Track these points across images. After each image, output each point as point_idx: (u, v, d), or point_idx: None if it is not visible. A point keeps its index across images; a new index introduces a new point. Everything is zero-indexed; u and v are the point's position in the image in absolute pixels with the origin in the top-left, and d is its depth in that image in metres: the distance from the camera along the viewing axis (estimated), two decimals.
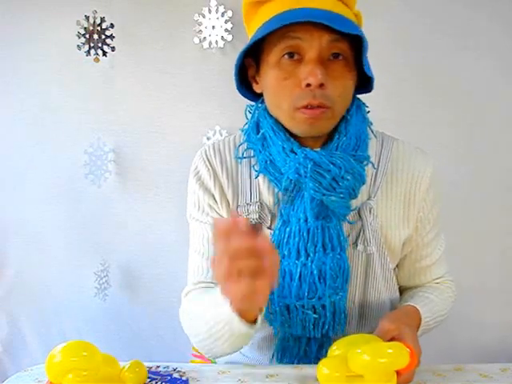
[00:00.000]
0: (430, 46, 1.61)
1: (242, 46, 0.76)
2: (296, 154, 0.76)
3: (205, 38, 1.61)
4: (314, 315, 0.79)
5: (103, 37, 1.63)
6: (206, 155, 0.87)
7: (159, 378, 0.73)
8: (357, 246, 0.82)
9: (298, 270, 0.78)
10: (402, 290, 0.96)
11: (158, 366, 0.77)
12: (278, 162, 0.79)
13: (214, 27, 1.61)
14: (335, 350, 0.71)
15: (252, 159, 0.85)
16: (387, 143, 0.86)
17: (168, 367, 0.77)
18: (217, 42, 1.61)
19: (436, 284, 0.93)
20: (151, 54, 1.66)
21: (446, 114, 1.64)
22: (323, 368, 0.68)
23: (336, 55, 0.74)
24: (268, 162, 0.80)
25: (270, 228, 0.82)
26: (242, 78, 0.83)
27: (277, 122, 0.80)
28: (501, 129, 1.66)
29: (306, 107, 0.74)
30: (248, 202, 0.84)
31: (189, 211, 0.90)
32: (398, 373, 0.67)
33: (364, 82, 0.81)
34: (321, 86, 0.72)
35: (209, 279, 0.84)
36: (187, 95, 1.67)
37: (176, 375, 0.74)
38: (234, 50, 1.62)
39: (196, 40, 1.61)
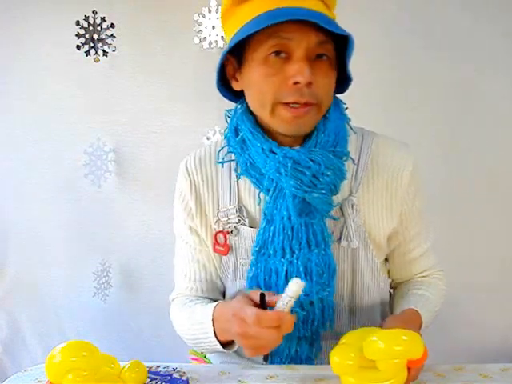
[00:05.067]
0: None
1: None
2: (275, 153, 0.77)
3: (205, 37, 1.61)
4: (303, 312, 0.80)
5: (103, 37, 1.63)
6: (187, 168, 0.90)
7: (159, 377, 0.73)
8: (341, 241, 0.83)
9: (284, 268, 0.79)
10: (395, 285, 0.98)
11: (158, 366, 0.77)
12: (258, 163, 0.80)
13: (214, 27, 1.61)
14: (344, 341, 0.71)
15: (233, 163, 0.86)
16: (367, 138, 0.87)
17: (168, 367, 0.77)
18: (217, 41, 1.61)
19: (426, 278, 0.94)
20: (151, 53, 1.66)
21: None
22: (334, 357, 0.67)
23: (320, 55, 0.75)
24: (248, 164, 0.81)
25: (252, 227, 0.84)
26: (219, 76, 0.84)
27: (255, 123, 0.81)
28: (502, 128, 1.66)
29: (291, 105, 0.74)
30: (227, 206, 0.85)
31: (174, 224, 0.94)
32: (408, 368, 0.67)
33: (339, 81, 0.82)
34: (308, 84, 0.73)
35: (192, 293, 0.92)
36: (187, 95, 1.67)
37: (176, 375, 0.74)
38: None
39: (196, 40, 1.61)
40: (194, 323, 0.83)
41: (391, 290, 1.01)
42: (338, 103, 0.84)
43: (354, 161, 0.83)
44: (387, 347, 0.65)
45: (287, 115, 0.75)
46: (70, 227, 1.75)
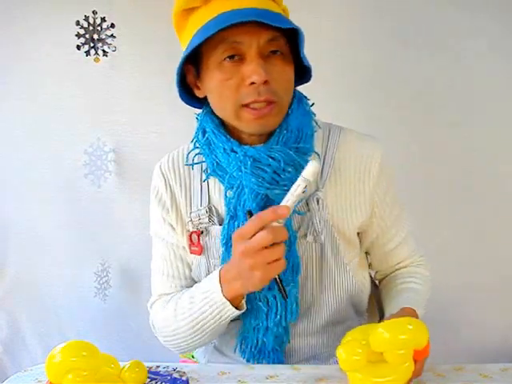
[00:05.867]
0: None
1: None
2: (236, 152, 0.79)
3: None
4: (265, 307, 0.81)
5: (103, 37, 1.62)
6: (161, 168, 0.92)
7: (159, 377, 0.73)
8: (307, 237, 0.83)
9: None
10: (380, 277, 0.99)
11: (158, 366, 0.77)
12: (222, 162, 0.82)
13: None
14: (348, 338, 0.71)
15: (203, 164, 0.88)
16: (333, 133, 0.87)
17: (168, 367, 0.77)
18: None
19: (409, 267, 0.95)
20: (151, 53, 1.65)
21: (445, 115, 1.64)
22: (341, 353, 0.67)
23: (274, 52, 0.76)
24: (215, 165, 0.83)
25: (221, 225, 0.85)
26: (181, 85, 0.84)
27: (218, 124, 0.83)
28: (502, 128, 1.66)
29: (252, 106, 0.76)
30: (199, 207, 0.87)
31: (151, 227, 0.95)
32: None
33: (300, 73, 0.83)
34: (265, 82, 0.74)
35: (177, 290, 0.92)
36: None
37: (176, 375, 0.74)
38: None
39: None
40: (194, 300, 0.82)
41: (377, 282, 1.02)
42: (301, 99, 0.85)
43: (319, 156, 0.84)
44: (393, 337, 0.65)
45: (250, 117, 0.77)
46: (70, 227, 1.75)
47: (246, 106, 0.76)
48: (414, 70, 1.61)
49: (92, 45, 1.63)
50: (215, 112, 0.83)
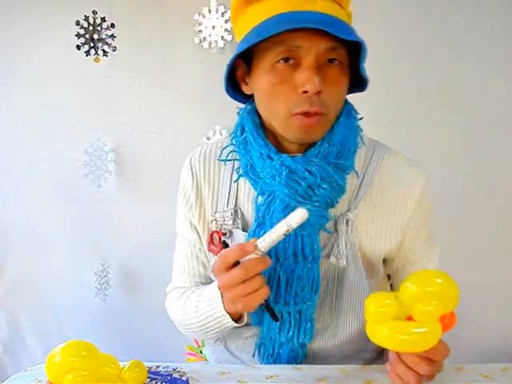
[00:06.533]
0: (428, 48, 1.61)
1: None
2: (272, 160, 0.76)
3: (205, 38, 1.61)
4: (278, 321, 0.78)
5: (103, 37, 1.63)
6: (190, 160, 0.89)
7: (159, 377, 0.73)
8: (329, 257, 0.80)
9: (267, 272, 0.77)
10: None
11: (158, 366, 0.77)
12: (257, 166, 0.79)
13: (214, 27, 1.61)
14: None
15: (236, 163, 0.84)
16: (378, 153, 0.83)
17: (168, 367, 0.77)
18: (217, 42, 1.61)
19: None
20: (151, 53, 1.66)
21: (446, 115, 1.64)
22: (369, 304, 0.65)
23: (331, 60, 0.72)
24: (249, 166, 0.80)
25: (244, 230, 0.82)
26: (229, 78, 0.81)
27: (258, 125, 0.80)
28: (501, 129, 1.66)
29: (302, 114, 0.72)
30: (225, 208, 0.84)
31: (177, 221, 0.93)
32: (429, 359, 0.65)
33: (355, 82, 0.79)
34: (318, 93, 0.70)
35: (191, 285, 0.92)
36: (187, 95, 1.67)
37: (176, 375, 0.74)
38: (233, 50, 1.60)
39: (196, 40, 1.61)
40: (199, 304, 0.81)
41: None
42: (350, 111, 0.80)
43: (358, 174, 0.80)
44: (420, 289, 0.63)
45: (299, 125, 0.73)
46: (69, 227, 1.75)
47: (296, 114, 0.72)
48: (414, 69, 1.61)
49: (92, 45, 1.63)
50: (260, 112, 0.79)
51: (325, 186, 0.74)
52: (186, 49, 1.64)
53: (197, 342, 1.15)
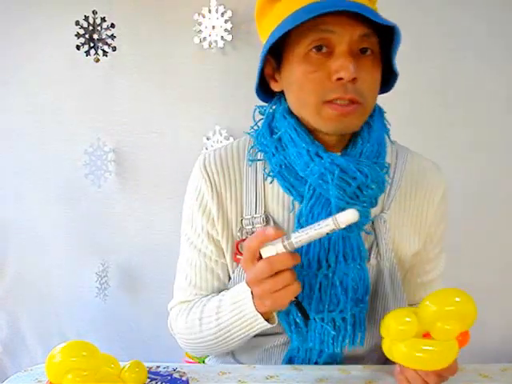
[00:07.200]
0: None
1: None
2: (322, 158, 0.71)
3: (205, 38, 1.61)
4: (333, 332, 0.75)
5: (103, 37, 1.62)
6: (205, 166, 0.81)
7: (159, 378, 0.73)
8: (369, 259, 0.79)
9: (318, 281, 0.74)
10: None
11: (158, 366, 0.77)
12: (296, 165, 0.74)
13: (213, 27, 1.60)
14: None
15: (260, 166, 0.80)
16: (402, 154, 0.84)
17: (168, 367, 0.77)
18: (217, 41, 1.61)
19: None
20: (151, 54, 1.66)
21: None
22: (388, 320, 0.65)
23: (364, 50, 0.70)
24: (283, 167, 0.75)
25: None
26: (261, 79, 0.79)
27: (299, 122, 0.75)
28: (502, 128, 1.66)
29: (336, 102, 0.69)
30: (253, 214, 0.79)
31: (183, 226, 0.86)
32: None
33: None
34: (353, 80, 0.68)
35: (193, 298, 0.85)
36: (187, 95, 1.67)
37: (176, 375, 0.74)
38: (233, 49, 1.62)
39: (196, 40, 1.61)
40: (222, 306, 0.76)
41: None
42: (380, 109, 0.80)
43: (389, 175, 0.78)
44: (439, 309, 0.63)
45: (332, 114, 0.70)
46: (70, 227, 1.75)
47: (329, 102, 0.69)
48: (415, 69, 1.61)
49: (92, 45, 1.63)
50: (292, 107, 0.75)
51: (373, 187, 0.72)
52: (186, 49, 1.64)
53: None
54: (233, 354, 0.90)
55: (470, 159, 1.65)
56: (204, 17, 1.60)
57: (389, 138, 0.81)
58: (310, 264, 0.74)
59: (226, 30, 1.60)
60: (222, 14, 1.59)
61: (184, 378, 0.73)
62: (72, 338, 1.76)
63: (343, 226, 0.61)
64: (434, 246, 0.87)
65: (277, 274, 0.65)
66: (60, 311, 1.80)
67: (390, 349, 0.67)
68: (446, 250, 0.94)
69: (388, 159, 0.79)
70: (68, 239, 1.76)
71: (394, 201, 0.81)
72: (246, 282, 0.70)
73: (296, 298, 0.68)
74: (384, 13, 0.71)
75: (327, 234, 0.63)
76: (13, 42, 1.68)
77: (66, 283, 1.78)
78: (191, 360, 1.05)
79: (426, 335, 0.65)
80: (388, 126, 0.80)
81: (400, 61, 0.75)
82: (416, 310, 0.66)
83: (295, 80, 0.72)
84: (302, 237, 0.63)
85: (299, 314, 0.70)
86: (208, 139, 1.66)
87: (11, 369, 1.83)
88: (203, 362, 1.00)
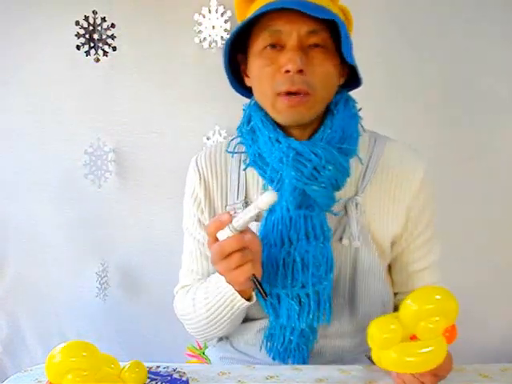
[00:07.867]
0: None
1: None
2: (280, 143, 0.78)
3: (205, 38, 1.61)
4: (297, 307, 0.79)
5: (103, 37, 1.63)
6: (197, 162, 0.92)
7: (159, 378, 0.73)
8: (341, 240, 0.83)
9: (282, 258, 0.79)
10: (397, 302, 0.94)
11: (158, 366, 0.77)
12: (264, 153, 0.81)
13: (213, 27, 1.61)
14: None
15: (242, 156, 0.88)
16: (380, 142, 0.88)
17: (168, 367, 0.77)
18: (217, 42, 1.61)
19: None
20: (151, 54, 1.65)
21: (444, 114, 1.64)
22: (373, 329, 0.65)
23: (316, 46, 0.76)
24: (257, 156, 0.82)
25: (256, 221, 0.83)
26: (239, 76, 0.87)
27: (266, 114, 0.82)
28: (502, 128, 1.66)
29: (286, 94, 0.75)
30: (235, 201, 0.87)
31: (183, 220, 0.95)
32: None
33: (354, 78, 0.83)
34: (300, 71, 0.74)
35: (193, 283, 0.92)
36: (187, 95, 1.67)
37: (176, 375, 0.74)
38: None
39: (196, 40, 1.61)
40: (209, 289, 0.82)
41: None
42: (348, 100, 0.84)
43: (361, 160, 0.84)
44: (420, 307, 0.64)
45: (283, 105, 0.77)
46: (70, 227, 1.75)
47: (280, 94, 0.76)
48: (415, 69, 1.61)
49: (92, 45, 1.63)
50: (256, 99, 0.83)
51: (330, 168, 0.76)
52: (186, 49, 1.64)
53: (198, 344, 1.15)
54: (230, 343, 0.95)
55: (471, 159, 1.65)
56: (204, 17, 1.60)
57: (362, 126, 0.85)
58: (275, 242, 0.80)
59: (225, 30, 1.60)
60: (222, 14, 1.60)
61: (184, 378, 0.73)
62: (72, 338, 1.76)
63: (265, 207, 0.66)
64: (419, 232, 0.89)
65: (229, 255, 0.69)
66: (60, 311, 1.80)
67: (379, 358, 0.67)
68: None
69: (361, 146, 0.84)
70: (68, 239, 1.76)
71: (370, 185, 0.85)
72: None
73: (254, 275, 0.71)
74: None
75: (257, 216, 0.68)
76: (13, 42, 1.68)
77: (66, 283, 1.78)
78: (193, 353, 1.05)
79: (413, 337, 0.66)
80: (360, 115, 0.85)
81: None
82: (397, 314, 0.66)
83: (255, 75, 0.80)
84: (239, 221, 0.68)
85: (257, 291, 0.73)
86: (208, 139, 1.66)
87: (11, 369, 1.82)
88: (203, 353, 1.01)
